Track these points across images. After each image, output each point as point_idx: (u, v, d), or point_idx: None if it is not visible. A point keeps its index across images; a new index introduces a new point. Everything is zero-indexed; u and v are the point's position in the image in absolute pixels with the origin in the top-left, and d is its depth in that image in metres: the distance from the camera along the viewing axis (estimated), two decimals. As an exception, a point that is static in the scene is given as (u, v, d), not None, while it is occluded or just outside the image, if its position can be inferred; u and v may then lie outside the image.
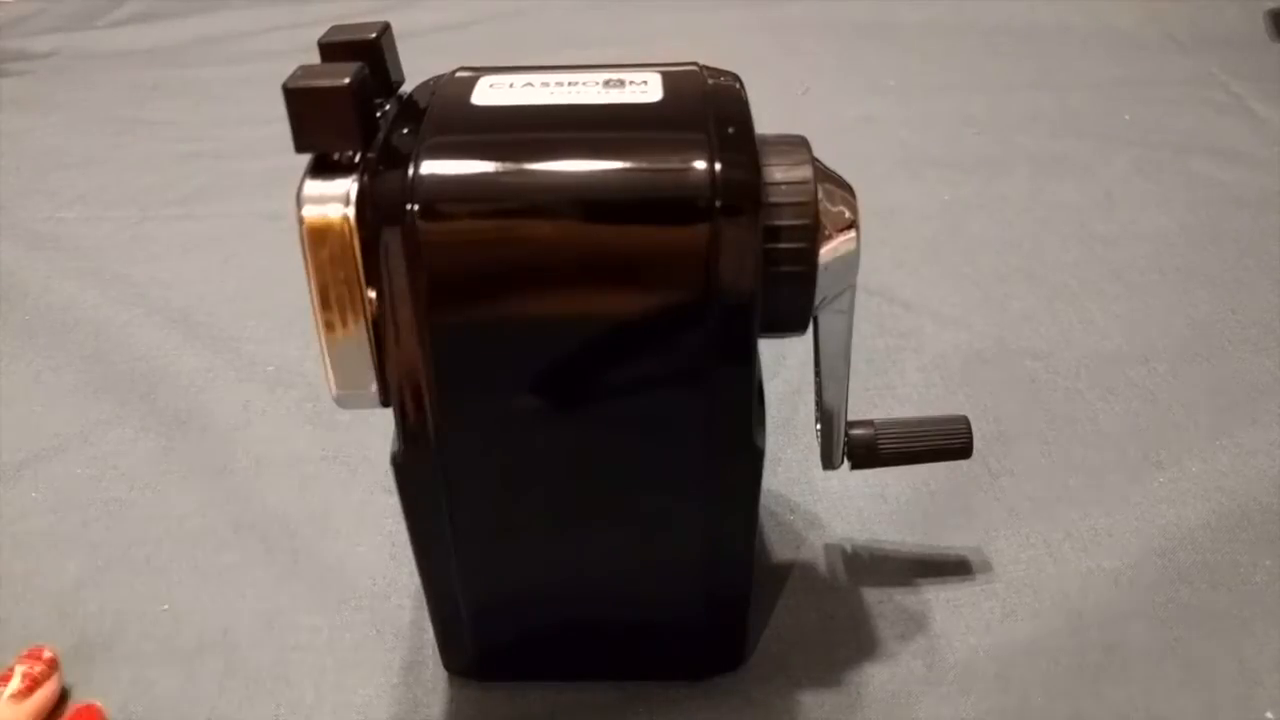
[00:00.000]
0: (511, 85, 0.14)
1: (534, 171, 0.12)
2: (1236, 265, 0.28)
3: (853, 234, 0.13)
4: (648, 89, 0.14)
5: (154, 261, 0.30)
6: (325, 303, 0.13)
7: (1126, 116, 0.34)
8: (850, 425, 0.17)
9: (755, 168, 0.13)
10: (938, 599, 0.20)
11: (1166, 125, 0.34)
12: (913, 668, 0.18)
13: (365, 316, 0.13)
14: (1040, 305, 0.27)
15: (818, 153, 0.14)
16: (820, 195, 0.13)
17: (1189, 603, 0.19)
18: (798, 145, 0.14)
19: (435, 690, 0.18)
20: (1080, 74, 0.37)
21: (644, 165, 0.13)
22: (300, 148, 0.12)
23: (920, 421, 0.19)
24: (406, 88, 0.14)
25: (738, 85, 0.14)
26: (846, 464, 0.18)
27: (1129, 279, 0.28)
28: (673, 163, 0.12)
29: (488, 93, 0.14)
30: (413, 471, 0.14)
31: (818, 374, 0.16)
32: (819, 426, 0.17)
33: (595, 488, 0.15)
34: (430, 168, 0.12)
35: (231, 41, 0.41)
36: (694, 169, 0.12)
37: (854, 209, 0.14)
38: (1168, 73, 0.37)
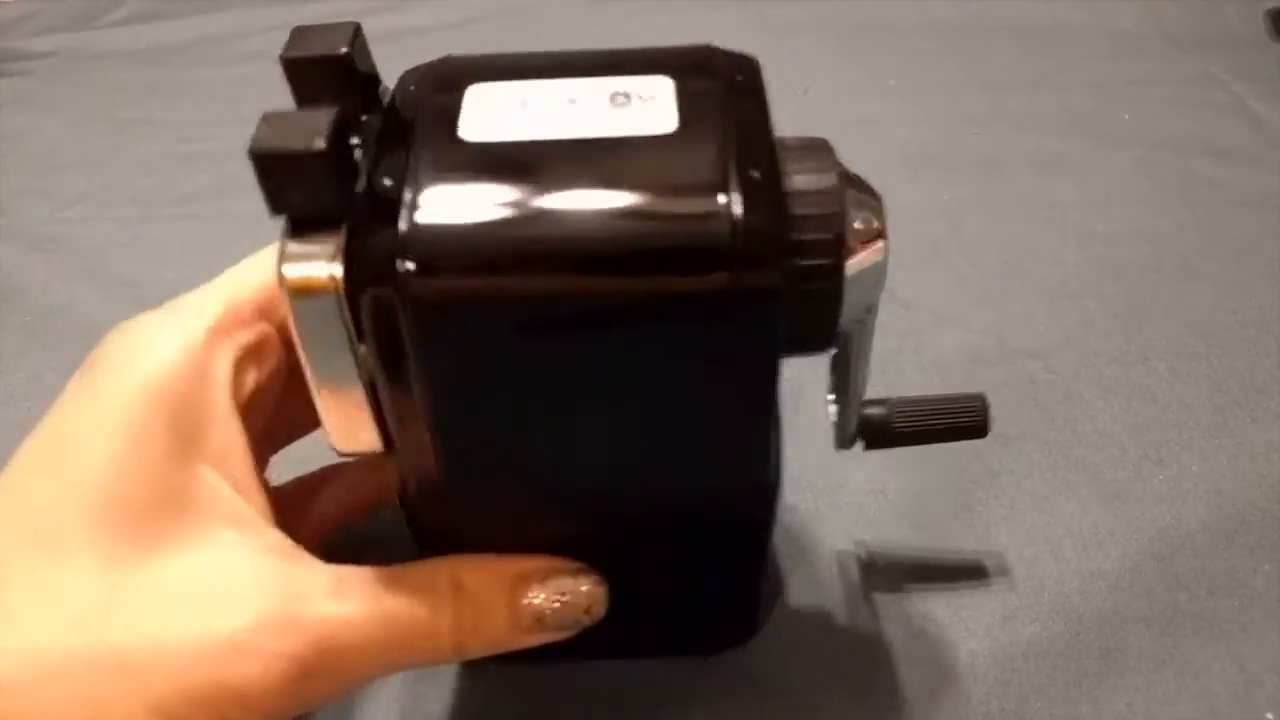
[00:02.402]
0: (504, 103, 0.12)
1: (535, 223, 0.11)
2: (1236, 265, 0.28)
3: (881, 244, 0.12)
4: (658, 104, 0.12)
5: (155, 261, 0.30)
6: (317, 365, 0.12)
7: (1126, 116, 0.34)
8: (863, 404, 0.17)
9: (780, 211, 0.12)
10: (937, 600, 0.20)
11: (1166, 125, 0.34)
12: (911, 668, 0.18)
13: (361, 374, 0.12)
14: (1040, 305, 0.27)
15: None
16: (847, 205, 0.12)
17: (1188, 608, 0.19)
18: (821, 150, 0.13)
19: (436, 681, 0.18)
20: (1080, 74, 0.37)
21: (658, 215, 0.11)
22: (276, 210, 0.11)
23: (935, 400, 0.18)
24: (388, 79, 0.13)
25: (757, 80, 0.13)
26: (859, 445, 0.18)
27: (1128, 278, 0.28)
28: (690, 212, 0.11)
29: (478, 115, 0.12)
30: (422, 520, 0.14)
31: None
32: (833, 406, 0.17)
33: (610, 522, 0.14)
34: (422, 221, 0.11)
35: (232, 41, 0.41)
36: (713, 219, 0.11)
37: (881, 217, 0.13)
38: (1167, 72, 0.36)
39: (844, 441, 0.17)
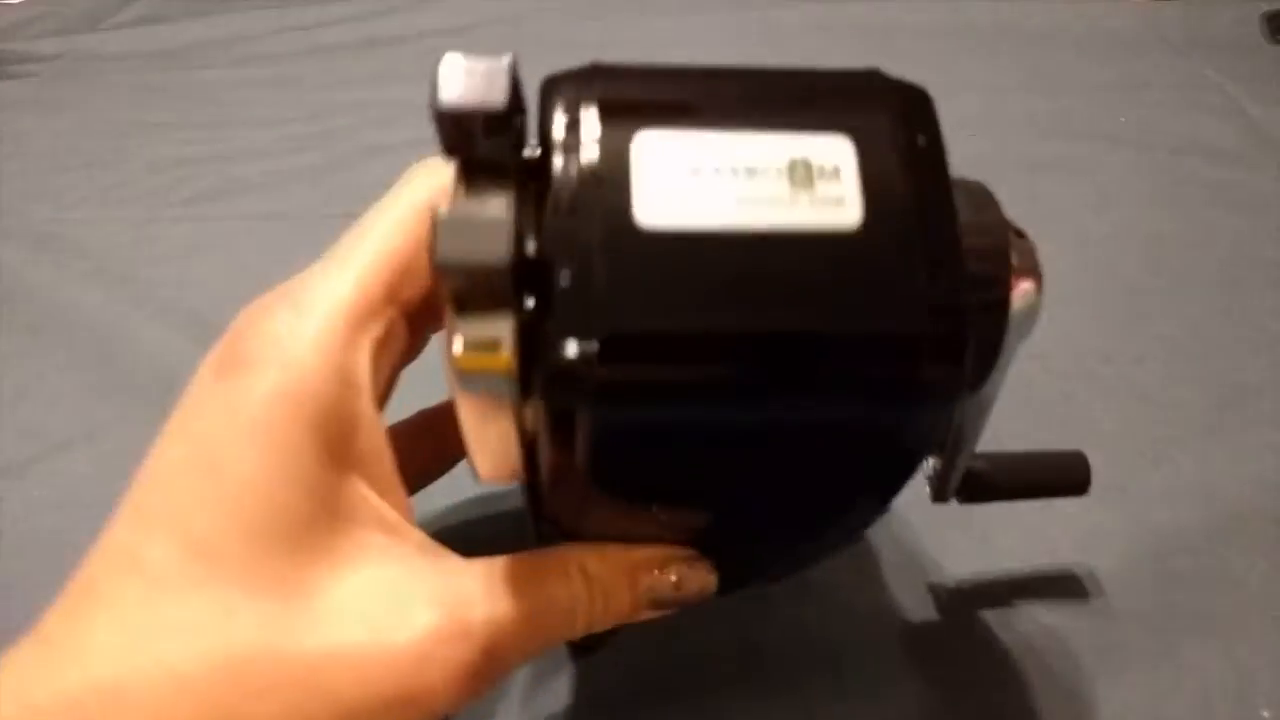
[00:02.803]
0: (676, 169, 0.11)
1: (721, 328, 0.11)
2: (1230, 266, 0.28)
3: (1032, 285, 0.12)
4: (841, 184, 0.11)
5: (160, 262, 0.30)
6: (477, 424, 0.11)
7: (1121, 119, 0.35)
8: None
9: (964, 314, 0.11)
10: (935, 598, 0.20)
11: (1161, 127, 0.34)
12: (907, 666, 0.18)
13: (519, 429, 0.12)
14: (1036, 306, 0.27)
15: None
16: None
17: (1183, 606, 0.20)
18: (987, 203, 0.12)
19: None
20: (1075, 76, 0.37)
21: (845, 336, 0.11)
22: (460, 311, 0.10)
23: (1037, 455, 0.18)
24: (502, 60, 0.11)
25: (934, 131, 0.11)
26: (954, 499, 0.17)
27: (1123, 280, 0.28)
28: (878, 331, 0.11)
29: (651, 186, 0.11)
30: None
31: None
32: (934, 458, 0.16)
33: (724, 535, 0.14)
34: (608, 330, 0.10)
35: (237, 44, 0.41)
36: (902, 341, 0.11)
37: (1036, 262, 0.12)
38: (1162, 75, 0.37)
39: (941, 494, 0.17)
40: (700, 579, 0.14)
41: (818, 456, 0.12)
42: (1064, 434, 0.23)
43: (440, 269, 0.10)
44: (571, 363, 0.10)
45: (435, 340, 0.15)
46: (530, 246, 0.11)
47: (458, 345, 0.11)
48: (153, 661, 0.11)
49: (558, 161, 0.11)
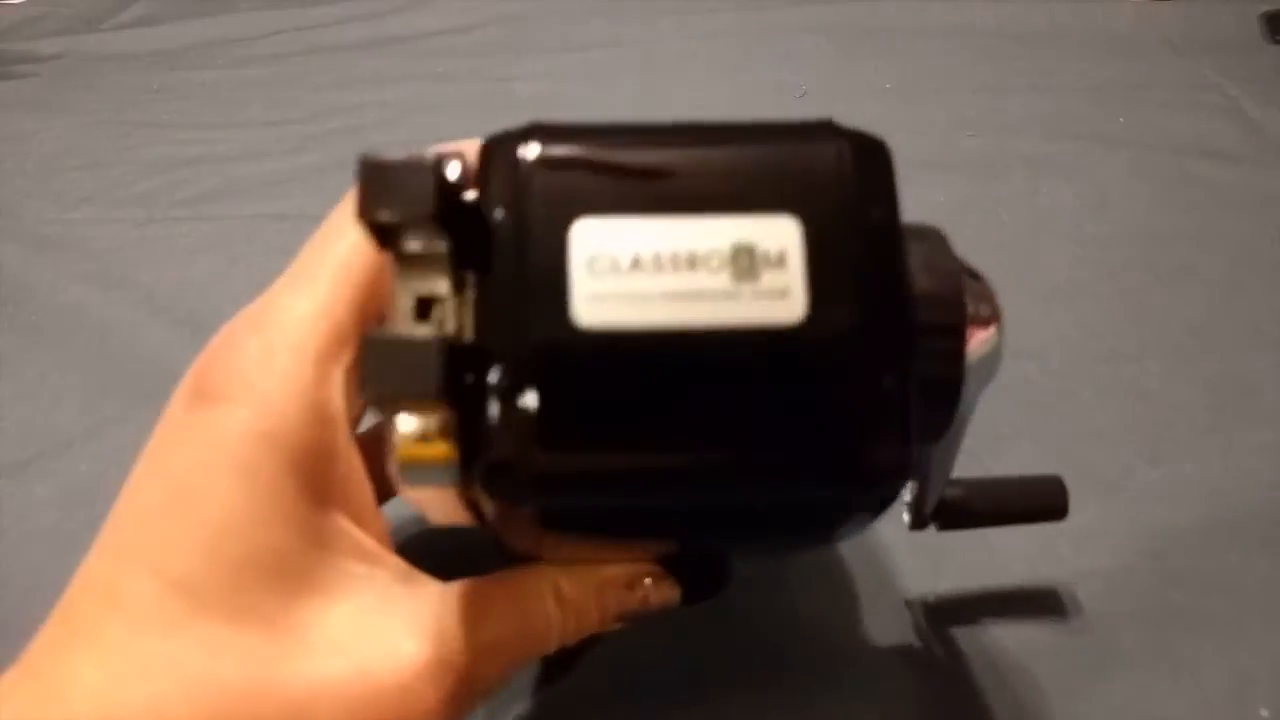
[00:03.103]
0: (616, 260, 0.11)
1: (655, 435, 0.11)
2: (1230, 266, 0.28)
3: (994, 331, 0.12)
4: (786, 272, 0.10)
5: (161, 263, 0.30)
6: (425, 502, 0.12)
7: (1121, 119, 0.35)
8: None
9: (906, 415, 0.11)
10: (933, 597, 0.20)
11: (1161, 127, 0.34)
12: (903, 667, 0.18)
13: (463, 498, 0.12)
14: (1035, 306, 0.27)
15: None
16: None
17: (1182, 606, 0.20)
18: (941, 249, 0.12)
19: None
20: (1075, 77, 0.37)
21: (784, 439, 0.11)
22: (385, 415, 0.10)
23: (1013, 481, 0.18)
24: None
25: (891, 203, 0.11)
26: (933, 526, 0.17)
27: (1123, 280, 0.28)
28: (820, 430, 0.11)
29: (589, 280, 0.10)
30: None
31: None
32: (912, 485, 0.17)
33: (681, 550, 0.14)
34: (547, 433, 0.10)
35: (237, 44, 0.41)
36: (844, 439, 0.11)
37: (994, 303, 0.12)
38: (1162, 75, 0.37)
39: (919, 522, 0.17)
40: (665, 593, 0.14)
41: (768, 520, 0.12)
42: (1062, 433, 0.23)
43: (371, 400, 0.10)
44: (509, 461, 0.10)
45: None
46: (469, 332, 0.11)
47: (395, 440, 0.10)
48: (138, 699, 0.11)
49: (497, 249, 0.11)
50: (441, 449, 0.10)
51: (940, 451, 0.15)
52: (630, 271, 0.11)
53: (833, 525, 0.12)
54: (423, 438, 0.10)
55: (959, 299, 0.12)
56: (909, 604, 0.20)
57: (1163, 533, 0.21)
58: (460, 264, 0.11)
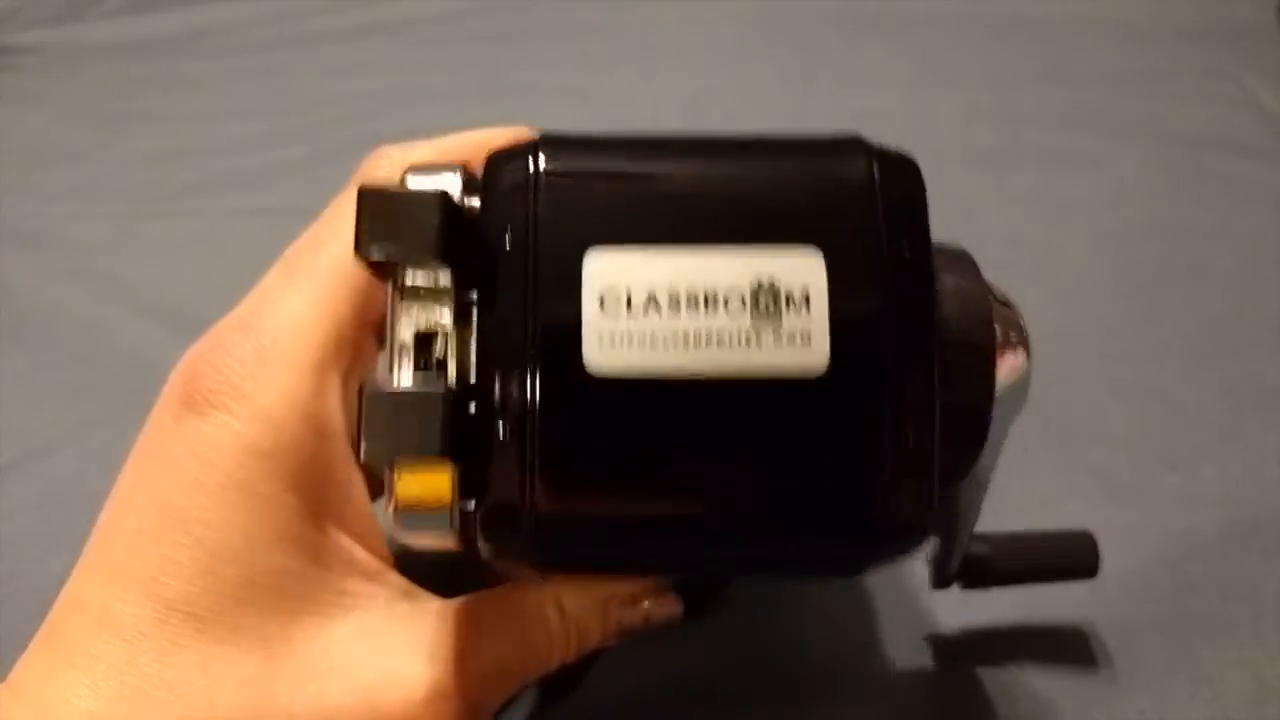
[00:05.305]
0: (630, 298, 0.10)
1: (668, 491, 0.10)
2: (1249, 262, 0.28)
3: (1020, 357, 0.11)
4: (809, 314, 0.10)
5: (144, 258, 0.29)
6: (417, 544, 0.11)
7: (1136, 110, 0.34)
8: None
9: (930, 468, 0.10)
10: (945, 603, 0.19)
11: (1177, 119, 0.33)
12: (914, 674, 0.18)
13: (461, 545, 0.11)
14: (1049, 302, 0.27)
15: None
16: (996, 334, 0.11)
17: (1200, 613, 0.19)
18: (969, 272, 0.11)
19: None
20: (1090, 67, 0.36)
21: (801, 495, 0.10)
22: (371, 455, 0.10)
23: (1040, 536, 0.18)
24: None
25: (922, 233, 0.11)
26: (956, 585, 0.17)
27: (1139, 276, 0.27)
28: (837, 491, 0.10)
29: (601, 319, 0.10)
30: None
31: None
32: (934, 540, 0.16)
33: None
34: (551, 487, 0.10)
35: (222, 34, 0.40)
36: (860, 494, 0.10)
37: (1020, 328, 0.12)
38: (1179, 66, 0.36)
39: (941, 581, 0.16)
40: (667, 609, 0.14)
41: (781, 570, 0.12)
42: (1076, 435, 0.23)
43: (371, 460, 0.10)
44: (510, 509, 0.10)
45: None
46: (471, 369, 0.10)
47: (393, 489, 0.10)
48: None
49: (502, 280, 0.10)
50: (441, 498, 0.10)
51: (964, 503, 0.15)
52: (645, 311, 0.10)
53: (848, 575, 0.12)
54: (422, 487, 0.10)
55: (987, 321, 0.11)
56: (918, 611, 0.19)
57: (1180, 538, 0.21)
58: (463, 286, 0.10)
